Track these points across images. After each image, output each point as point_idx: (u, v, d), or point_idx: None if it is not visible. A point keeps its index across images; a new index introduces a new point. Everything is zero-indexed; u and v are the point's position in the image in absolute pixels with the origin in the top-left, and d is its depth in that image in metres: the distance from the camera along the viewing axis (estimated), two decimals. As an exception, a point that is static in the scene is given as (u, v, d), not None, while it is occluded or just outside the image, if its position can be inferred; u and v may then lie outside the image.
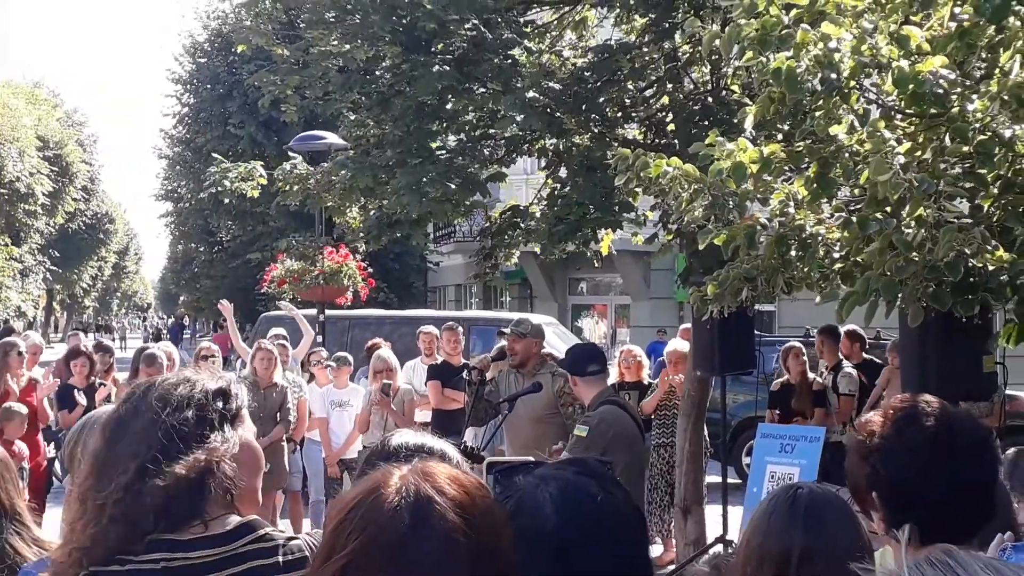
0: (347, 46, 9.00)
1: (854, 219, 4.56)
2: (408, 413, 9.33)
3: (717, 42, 4.75)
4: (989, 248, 4.13)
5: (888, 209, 4.49)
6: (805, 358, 10.76)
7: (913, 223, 4.23)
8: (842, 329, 10.86)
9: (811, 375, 10.72)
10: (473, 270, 12.02)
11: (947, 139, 4.50)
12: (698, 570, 2.54)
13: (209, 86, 33.47)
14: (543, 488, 1.73)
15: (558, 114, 8.53)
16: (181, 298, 49.94)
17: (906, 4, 4.63)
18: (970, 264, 4.19)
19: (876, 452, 2.53)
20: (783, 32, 4.38)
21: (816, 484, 2.24)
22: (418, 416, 10.72)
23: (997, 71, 4.46)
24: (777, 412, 10.58)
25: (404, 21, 8.41)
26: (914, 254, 4.22)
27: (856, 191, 4.92)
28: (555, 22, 10.02)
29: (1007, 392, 9.74)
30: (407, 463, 1.56)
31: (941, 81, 4.22)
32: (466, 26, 8.33)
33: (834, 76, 4.15)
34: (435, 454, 2.31)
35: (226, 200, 11.72)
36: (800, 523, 2.14)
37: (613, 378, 10.45)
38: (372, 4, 8.48)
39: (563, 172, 9.66)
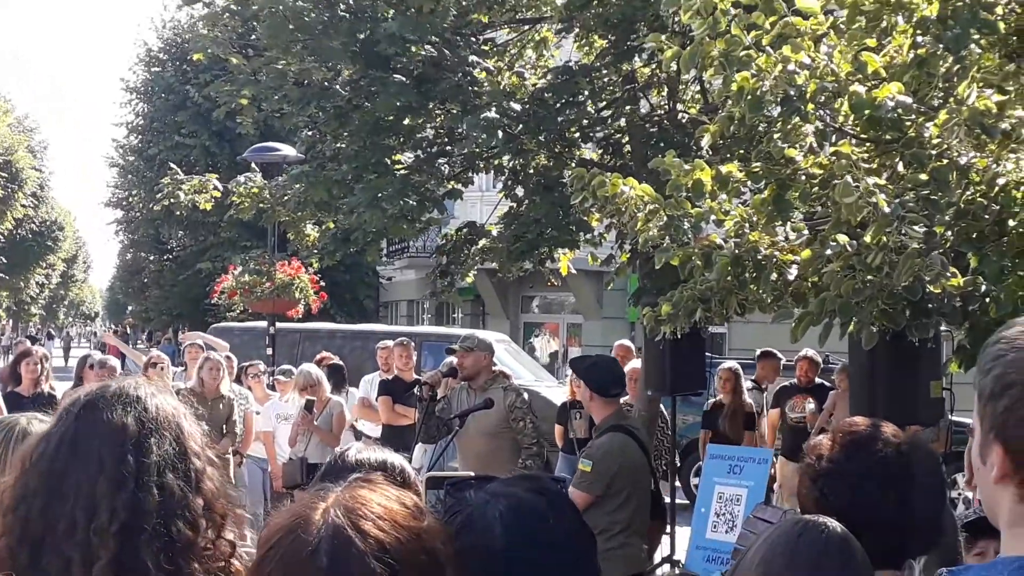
0: (306, 64, 8.89)
1: (818, 237, 4.57)
2: (337, 428, 9.14)
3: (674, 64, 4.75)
4: (947, 275, 4.15)
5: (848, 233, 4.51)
6: (743, 380, 10.61)
7: (875, 247, 4.24)
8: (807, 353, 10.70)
9: (746, 399, 10.63)
10: (427, 286, 11.96)
11: (901, 166, 4.53)
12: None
13: (163, 95, 33.10)
14: (493, 505, 1.69)
15: (517, 134, 8.51)
16: (129, 308, 49.25)
17: (864, 31, 4.67)
18: (927, 289, 4.21)
19: (824, 476, 2.50)
20: (743, 54, 4.39)
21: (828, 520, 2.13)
22: (367, 429, 10.58)
23: (951, 100, 4.49)
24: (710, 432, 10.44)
25: (362, 37, 8.36)
26: (871, 277, 4.24)
27: (815, 213, 4.94)
28: (514, 40, 10.02)
29: (953, 418, 9.82)
30: (343, 483, 1.49)
31: (897, 107, 4.24)
32: (426, 47, 8.30)
33: (795, 96, 4.16)
34: (396, 471, 2.24)
35: (178, 212, 11.55)
36: (836, 562, 2.03)
37: (565, 395, 10.41)
38: (332, 24, 8.41)
39: (520, 191, 9.65)
